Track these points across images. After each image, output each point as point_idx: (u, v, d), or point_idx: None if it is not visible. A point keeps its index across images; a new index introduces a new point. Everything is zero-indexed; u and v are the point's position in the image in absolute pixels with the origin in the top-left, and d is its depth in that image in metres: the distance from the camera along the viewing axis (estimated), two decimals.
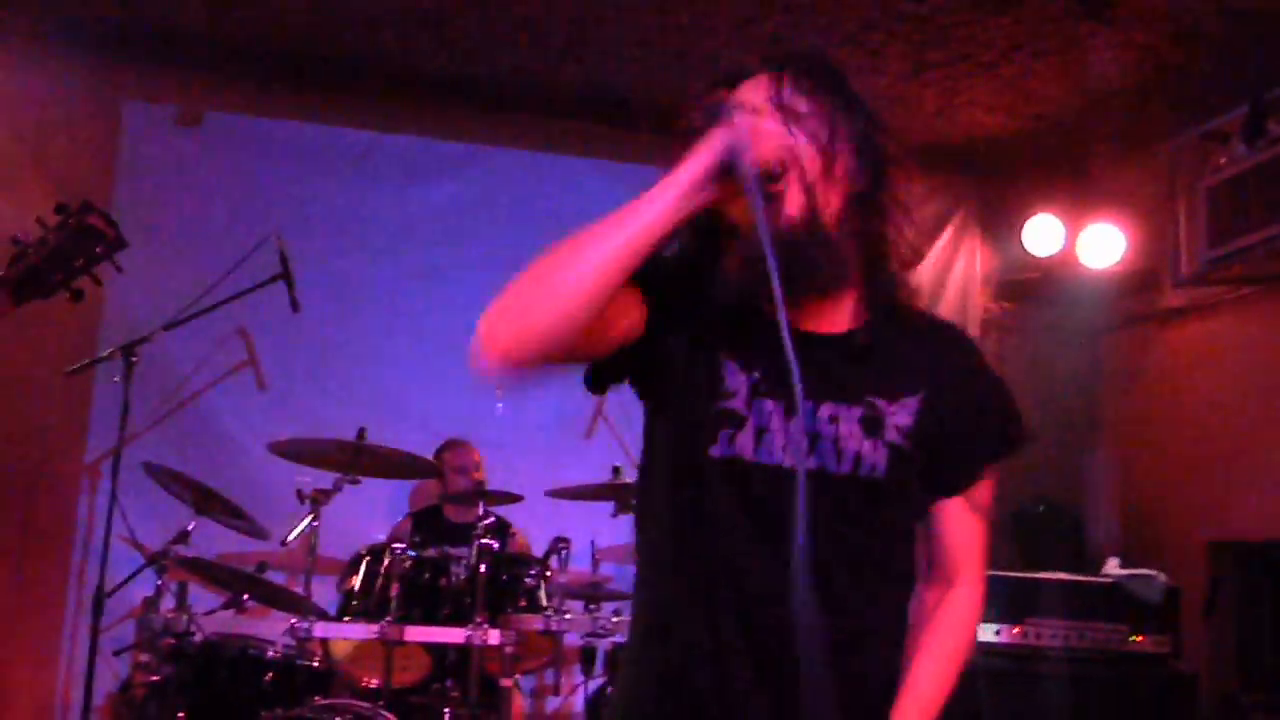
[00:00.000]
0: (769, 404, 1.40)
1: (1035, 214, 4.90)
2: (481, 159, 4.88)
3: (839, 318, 1.46)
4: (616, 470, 3.95)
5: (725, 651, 1.39)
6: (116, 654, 3.62)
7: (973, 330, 5.22)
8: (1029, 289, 5.17)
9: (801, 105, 1.38)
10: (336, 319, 4.56)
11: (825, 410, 1.40)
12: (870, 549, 1.43)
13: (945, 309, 5.23)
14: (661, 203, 1.32)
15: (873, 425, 1.41)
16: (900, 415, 1.43)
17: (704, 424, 1.42)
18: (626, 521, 3.80)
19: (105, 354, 3.14)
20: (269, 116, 4.68)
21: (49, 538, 4.19)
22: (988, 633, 3.80)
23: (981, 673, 3.70)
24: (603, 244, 1.31)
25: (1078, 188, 5.01)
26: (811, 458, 1.39)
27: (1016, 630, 3.84)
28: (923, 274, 5.23)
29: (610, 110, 4.75)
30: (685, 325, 1.44)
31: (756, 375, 1.41)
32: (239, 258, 3.81)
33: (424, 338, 4.61)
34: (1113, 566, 4.02)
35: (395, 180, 4.77)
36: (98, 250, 2.18)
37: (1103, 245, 4.83)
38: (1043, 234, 4.90)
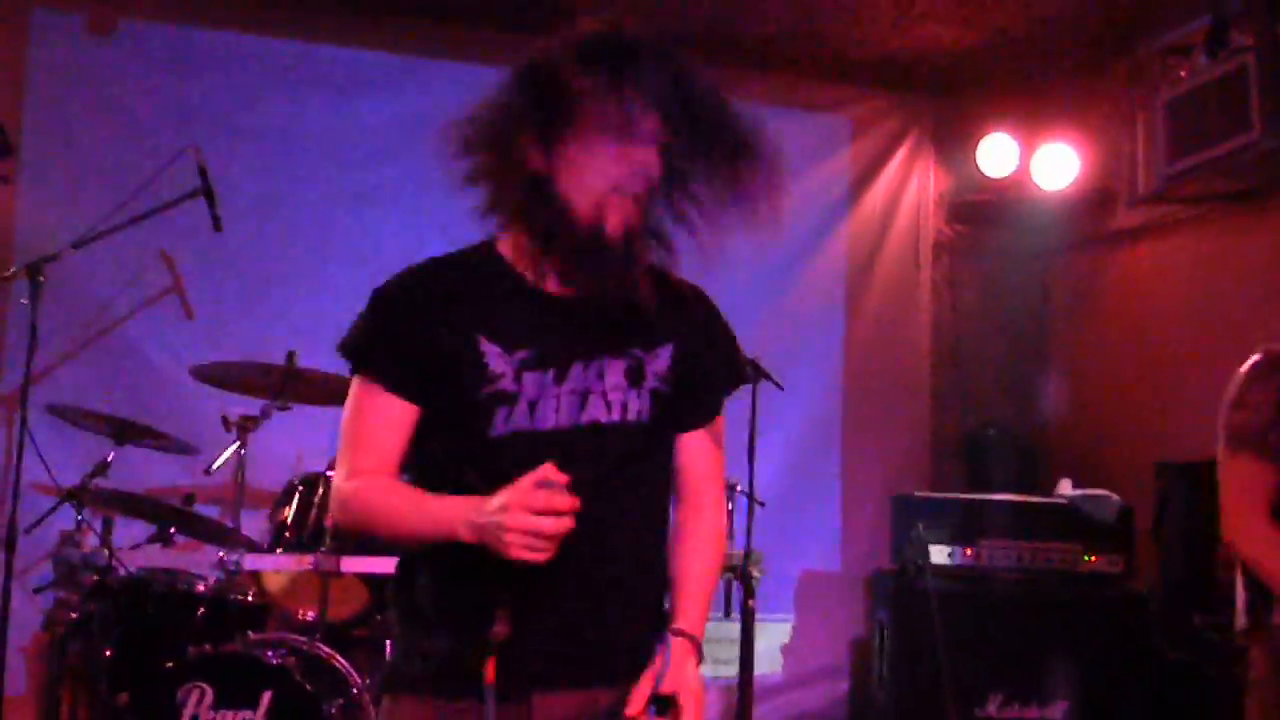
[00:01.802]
0: (537, 376, 1.56)
1: (990, 133, 4.80)
2: (417, 73, 4.62)
3: None
4: None
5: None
6: (37, 591, 3.45)
7: (925, 253, 5.16)
8: (982, 211, 5.09)
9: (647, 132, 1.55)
10: (266, 241, 4.33)
11: (594, 366, 1.58)
12: (642, 485, 1.63)
13: (897, 232, 5.15)
14: (426, 534, 1.54)
15: (635, 375, 1.60)
16: (657, 362, 1.62)
17: (479, 409, 1.56)
18: None
19: (8, 273, 2.93)
20: (188, 24, 4.39)
21: None
22: (940, 555, 3.76)
23: (935, 594, 3.68)
24: (388, 535, 1.62)
25: (1033, 106, 4.91)
26: (584, 414, 1.57)
27: (969, 552, 3.81)
28: (876, 196, 5.13)
29: (547, 19, 4.51)
30: (437, 348, 1.57)
31: (521, 354, 1.57)
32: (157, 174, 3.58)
33: (359, 261, 4.40)
34: (1065, 487, 4.00)
35: (327, 95, 4.51)
36: None
37: (1057, 166, 4.76)
38: (997, 154, 4.81)
